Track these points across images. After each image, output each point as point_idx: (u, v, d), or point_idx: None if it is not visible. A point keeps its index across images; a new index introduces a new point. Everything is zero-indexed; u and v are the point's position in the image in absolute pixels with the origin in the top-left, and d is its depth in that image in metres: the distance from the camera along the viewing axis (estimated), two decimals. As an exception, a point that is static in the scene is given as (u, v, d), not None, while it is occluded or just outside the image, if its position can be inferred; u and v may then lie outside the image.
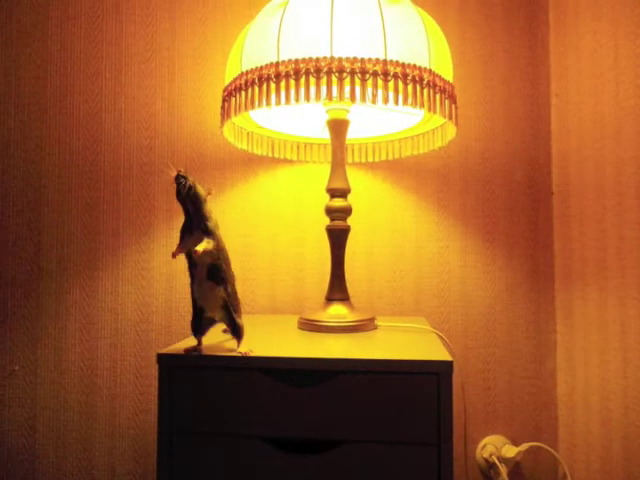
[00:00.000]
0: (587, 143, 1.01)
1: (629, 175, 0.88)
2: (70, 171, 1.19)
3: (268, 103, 0.77)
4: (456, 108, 0.85)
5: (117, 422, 1.16)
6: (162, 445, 0.72)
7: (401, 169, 1.17)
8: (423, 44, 0.79)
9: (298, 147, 1.12)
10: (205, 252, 0.69)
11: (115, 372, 1.16)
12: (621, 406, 0.90)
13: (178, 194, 0.70)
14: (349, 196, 0.95)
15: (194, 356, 0.72)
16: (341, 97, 0.74)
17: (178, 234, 1.16)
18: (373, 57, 0.74)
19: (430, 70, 0.78)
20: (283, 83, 0.76)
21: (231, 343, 0.77)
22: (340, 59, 0.74)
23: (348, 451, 0.69)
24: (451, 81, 0.85)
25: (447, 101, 0.82)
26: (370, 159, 1.12)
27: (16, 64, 1.20)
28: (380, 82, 0.74)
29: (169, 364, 0.72)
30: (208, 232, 0.71)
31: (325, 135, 1.08)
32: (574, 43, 1.06)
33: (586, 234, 1.01)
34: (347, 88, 0.74)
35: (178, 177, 0.69)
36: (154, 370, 1.16)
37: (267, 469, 0.71)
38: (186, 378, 0.72)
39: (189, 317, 1.15)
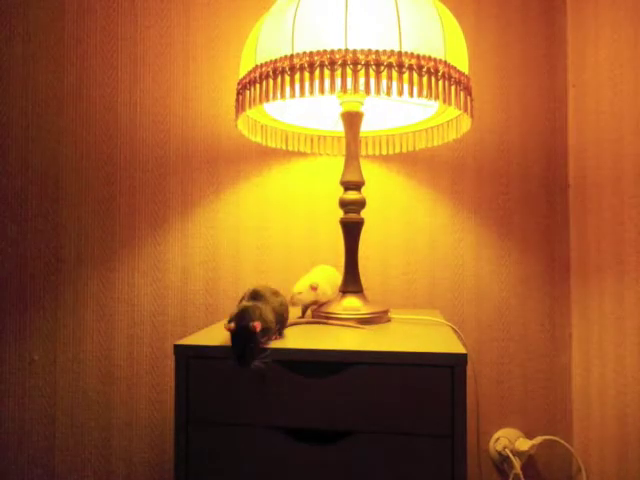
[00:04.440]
0: (605, 135, 1.00)
1: (648, 167, 0.86)
2: (87, 165, 1.21)
3: (282, 96, 0.77)
4: (471, 100, 0.85)
5: (134, 411, 1.18)
6: (179, 434, 0.73)
7: (415, 162, 1.16)
8: (438, 35, 0.78)
9: (312, 140, 1.12)
10: None
11: (132, 362, 1.18)
12: (637, 400, 0.90)
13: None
14: (363, 189, 0.95)
15: (209, 347, 0.73)
16: (356, 89, 0.74)
17: (192, 226, 1.18)
18: (388, 49, 0.74)
19: (445, 62, 0.78)
20: (298, 76, 0.76)
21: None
22: (355, 51, 0.74)
23: (362, 442, 0.70)
24: (466, 73, 0.84)
25: (462, 93, 0.81)
26: (384, 152, 1.12)
27: (33, 59, 1.21)
28: (395, 74, 0.74)
29: (185, 355, 0.73)
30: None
31: (339, 128, 1.08)
32: (592, 33, 1.04)
33: (603, 227, 1.00)
34: (362, 80, 0.74)
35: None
36: (170, 361, 1.17)
37: (281, 458, 0.71)
38: (202, 369, 0.73)
39: (204, 309, 1.17)
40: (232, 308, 1.16)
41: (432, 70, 0.76)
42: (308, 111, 1.07)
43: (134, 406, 1.18)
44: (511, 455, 1.07)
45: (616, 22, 0.96)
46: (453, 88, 0.79)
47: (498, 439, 1.11)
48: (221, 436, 0.73)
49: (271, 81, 0.78)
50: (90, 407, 1.19)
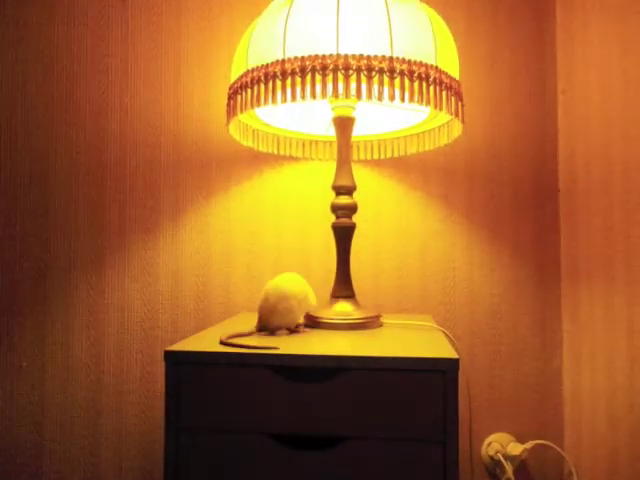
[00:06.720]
0: (594, 140, 1.00)
1: (637, 172, 0.87)
2: (77, 168, 1.20)
3: (274, 100, 0.77)
4: (462, 105, 0.85)
5: (124, 418, 1.17)
6: (169, 442, 0.72)
7: (407, 166, 1.17)
8: (429, 41, 0.78)
9: (303, 144, 1.12)
10: None
11: (121, 369, 1.17)
12: (627, 404, 0.90)
13: None
14: (355, 193, 0.95)
15: (200, 353, 0.72)
16: (347, 94, 0.74)
17: (183, 231, 1.17)
18: (379, 54, 0.74)
19: (436, 67, 0.78)
20: (289, 80, 0.76)
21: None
22: (346, 56, 0.74)
23: (354, 448, 0.70)
24: (457, 78, 0.85)
25: (453, 98, 0.81)
26: (376, 156, 1.12)
27: (23, 62, 1.20)
28: (386, 79, 0.74)
29: (176, 361, 0.73)
30: None
31: (331, 132, 1.08)
32: (581, 38, 1.05)
33: (593, 232, 1.01)
34: (353, 85, 0.74)
35: None
36: (160, 367, 1.16)
37: (272, 465, 0.71)
38: (192, 375, 0.73)
39: (194, 314, 1.16)
40: (223, 313, 1.16)
41: (423, 75, 0.76)
42: (300, 116, 1.07)
43: (123, 413, 1.17)
44: (503, 460, 1.07)
45: (605, 28, 0.97)
46: (444, 93, 0.79)
47: (490, 444, 1.11)
48: (212, 443, 0.72)
49: (262, 86, 0.78)
50: (79, 414, 1.17)
